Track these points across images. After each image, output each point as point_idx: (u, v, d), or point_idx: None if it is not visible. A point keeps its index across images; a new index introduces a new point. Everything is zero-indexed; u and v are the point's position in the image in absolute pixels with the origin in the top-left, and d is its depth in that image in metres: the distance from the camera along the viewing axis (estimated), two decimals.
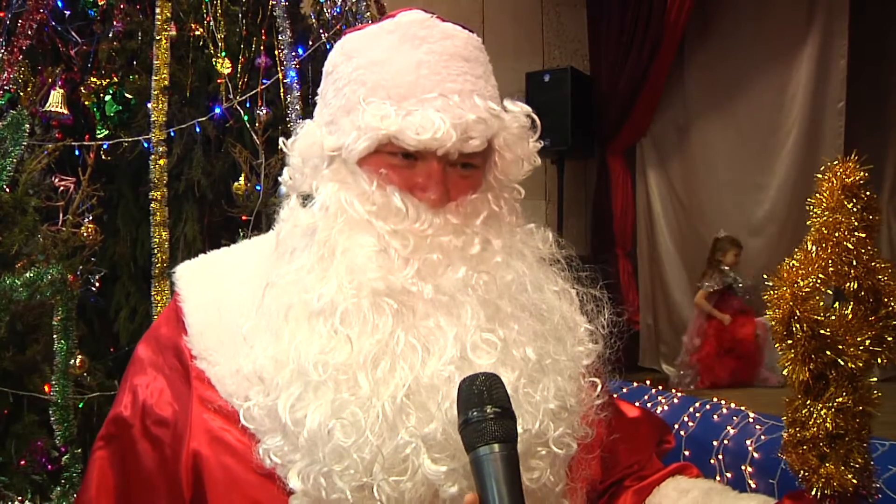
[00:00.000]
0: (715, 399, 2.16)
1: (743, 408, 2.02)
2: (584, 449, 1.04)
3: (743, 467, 1.81)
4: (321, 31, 2.97)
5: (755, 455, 1.80)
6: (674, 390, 2.40)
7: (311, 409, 0.90)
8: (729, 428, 1.93)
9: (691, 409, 2.10)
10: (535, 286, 1.02)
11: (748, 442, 1.84)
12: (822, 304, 0.88)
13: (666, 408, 2.19)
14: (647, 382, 2.49)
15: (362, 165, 1.01)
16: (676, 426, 2.05)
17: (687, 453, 1.98)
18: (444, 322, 0.94)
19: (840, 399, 0.88)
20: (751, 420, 1.93)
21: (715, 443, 1.92)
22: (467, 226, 1.01)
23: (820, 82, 5.10)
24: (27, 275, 2.02)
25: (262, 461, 0.94)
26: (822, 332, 0.87)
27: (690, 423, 2.05)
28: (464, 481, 0.87)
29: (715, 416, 2.02)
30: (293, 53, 2.71)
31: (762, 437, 1.84)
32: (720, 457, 1.90)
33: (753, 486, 1.77)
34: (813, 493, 0.90)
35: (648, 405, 2.24)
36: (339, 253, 0.97)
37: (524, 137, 1.07)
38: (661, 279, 5.83)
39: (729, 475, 1.85)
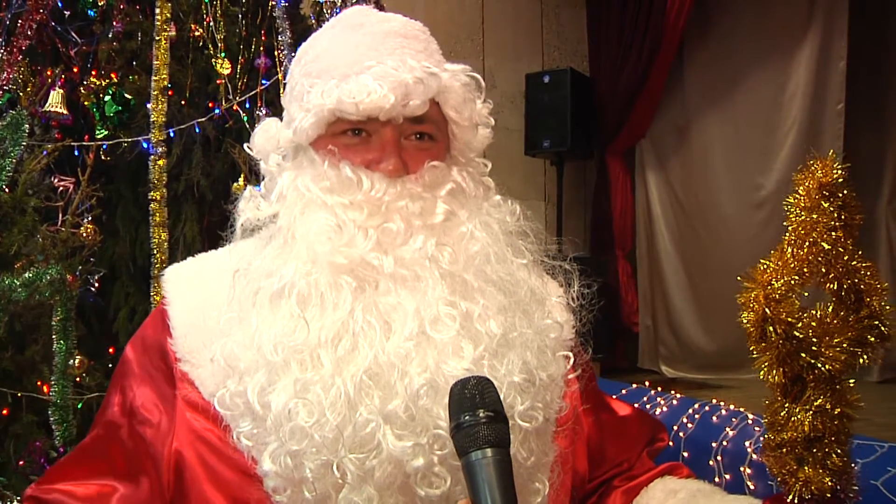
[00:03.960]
0: (714, 400, 2.16)
1: (742, 409, 2.02)
2: (560, 422, 1.05)
3: (742, 469, 1.81)
4: None
5: (754, 456, 1.80)
6: (673, 391, 2.40)
7: (276, 391, 0.91)
8: (728, 429, 1.93)
9: (690, 411, 2.10)
10: (501, 258, 1.02)
11: (747, 443, 1.84)
12: (797, 305, 0.88)
13: (665, 409, 2.19)
14: (647, 384, 2.49)
15: (318, 150, 1.04)
16: (675, 428, 2.05)
17: (686, 455, 1.98)
18: (404, 297, 0.95)
19: (818, 401, 0.87)
20: (750, 422, 1.93)
21: (714, 444, 1.92)
22: (427, 193, 1.02)
23: (819, 84, 5.10)
24: (26, 275, 2.01)
25: (238, 444, 0.95)
26: (796, 334, 0.86)
27: (689, 425, 2.05)
28: (430, 456, 0.88)
29: (714, 418, 2.02)
30: (293, 54, 2.70)
31: (761, 438, 1.84)
32: (719, 458, 1.90)
33: (752, 487, 1.77)
34: (790, 497, 0.89)
35: (647, 407, 2.24)
36: (300, 235, 0.99)
37: (471, 99, 1.08)
38: (661, 280, 5.82)
39: (728, 477, 1.85)
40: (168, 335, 1.07)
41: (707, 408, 2.10)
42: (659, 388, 2.42)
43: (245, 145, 1.13)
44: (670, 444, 1.87)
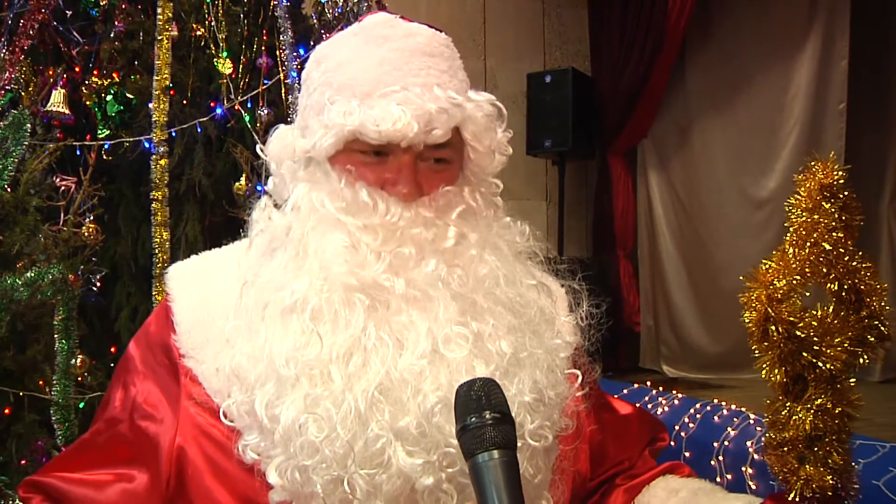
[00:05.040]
0: (716, 400, 2.16)
1: (743, 409, 2.02)
2: (565, 441, 1.05)
3: (743, 468, 1.81)
4: (323, 31, 2.97)
5: (755, 456, 1.80)
6: (675, 391, 2.40)
7: (285, 405, 0.91)
8: (729, 429, 1.93)
9: (692, 411, 2.10)
10: (510, 280, 1.03)
11: (748, 443, 1.84)
12: (798, 305, 0.88)
13: (666, 409, 2.19)
14: (648, 383, 2.49)
15: (334, 165, 1.03)
16: (677, 427, 2.05)
17: (687, 454, 1.98)
18: (416, 317, 0.95)
19: (819, 400, 0.88)
20: (751, 421, 1.93)
21: (715, 444, 1.92)
22: (440, 218, 1.02)
23: (821, 83, 5.09)
24: (28, 274, 2.02)
25: (243, 457, 0.95)
26: (798, 333, 0.86)
27: (691, 425, 2.05)
28: (439, 473, 0.88)
29: (715, 418, 2.02)
30: (294, 54, 2.71)
31: (762, 438, 1.84)
32: (721, 458, 1.90)
33: (754, 487, 1.77)
34: (792, 495, 0.89)
35: (649, 406, 2.24)
36: (312, 251, 0.99)
37: (491, 128, 1.07)
38: (662, 280, 5.82)
39: (729, 477, 1.85)
40: (172, 331, 1.08)
41: (709, 408, 2.10)
42: (660, 388, 2.42)
43: (258, 147, 1.12)
44: (671, 443, 1.87)
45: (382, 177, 1.02)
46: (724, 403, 2.11)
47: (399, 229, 0.99)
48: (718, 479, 1.87)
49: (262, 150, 1.11)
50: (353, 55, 1.04)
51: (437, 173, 1.04)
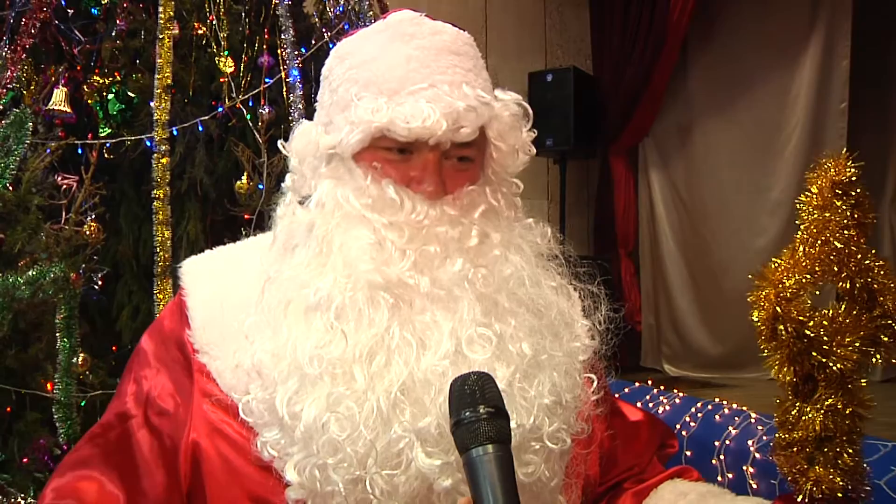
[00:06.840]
0: (717, 399, 2.16)
1: (745, 408, 2.02)
2: (580, 444, 1.05)
3: (744, 468, 1.81)
4: (324, 30, 2.97)
5: (756, 455, 1.80)
6: (676, 390, 2.40)
7: (307, 403, 0.91)
8: (730, 428, 1.93)
9: (693, 410, 2.10)
10: (533, 281, 1.02)
11: (749, 442, 1.84)
12: (808, 304, 0.87)
13: (668, 408, 2.19)
14: (649, 382, 2.49)
15: (358, 161, 1.02)
16: (678, 426, 2.05)
17: (688, 454, 1.98)
18: (440, 316, 0.95)
19: (829, 401, 0.87)
20: (752, 420, 1.93)
21: (717, 443, 1.92)
22: (464, 217, 1.01)
23: (823, 83, 5.09)
24: (30, 273, 2.02)
25: (261, 454, 0.95)
26: (807, 332, 0.85)
27: (692, 424, 2.05)
28: (457, 475, 0.87)
29: (717, 417, 2.02)
30: (296, 52, 2.71)
31: (763, 437, 1.84)
32: (722, 457, 1.90)
33: (755, 486, 1.77)
34: (801, 497, 0.88)
35: (650, 405, 2.24)
36: (336, 248, 0.98)
37: (517, 127, 1.07)
38: (663, 279, 5.82)
39: (730, 475, 1.85)
40: (186, 326, 1.07)
41: (710, 406, 2.10)
42: (661, 387, 2.42)
43: (280, 143, 1.11)
44: None
45: (408, 174, 1.01)
46: (725, 402, 2.11)
47: (424, 227, 0.98)
48: (719, 478, 1.87)
49: (283, 146, 1.10)
50: (378, 52, 1.03)
51: (460, 172, 1.03)
